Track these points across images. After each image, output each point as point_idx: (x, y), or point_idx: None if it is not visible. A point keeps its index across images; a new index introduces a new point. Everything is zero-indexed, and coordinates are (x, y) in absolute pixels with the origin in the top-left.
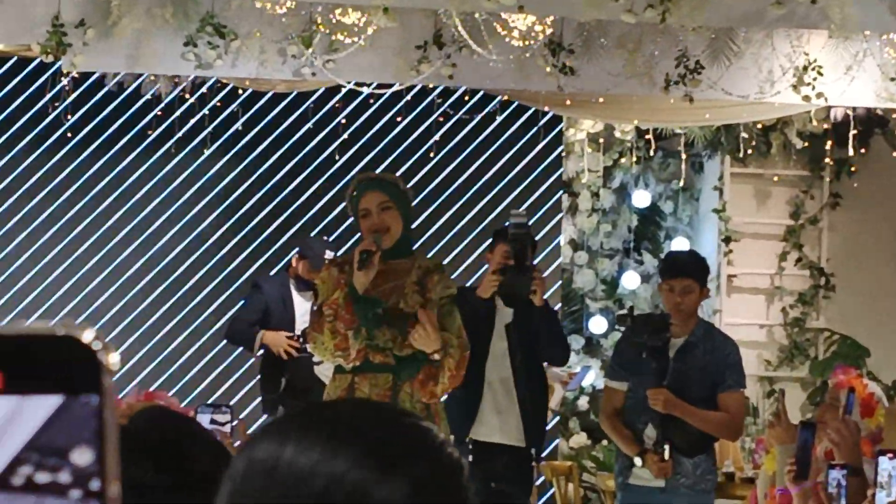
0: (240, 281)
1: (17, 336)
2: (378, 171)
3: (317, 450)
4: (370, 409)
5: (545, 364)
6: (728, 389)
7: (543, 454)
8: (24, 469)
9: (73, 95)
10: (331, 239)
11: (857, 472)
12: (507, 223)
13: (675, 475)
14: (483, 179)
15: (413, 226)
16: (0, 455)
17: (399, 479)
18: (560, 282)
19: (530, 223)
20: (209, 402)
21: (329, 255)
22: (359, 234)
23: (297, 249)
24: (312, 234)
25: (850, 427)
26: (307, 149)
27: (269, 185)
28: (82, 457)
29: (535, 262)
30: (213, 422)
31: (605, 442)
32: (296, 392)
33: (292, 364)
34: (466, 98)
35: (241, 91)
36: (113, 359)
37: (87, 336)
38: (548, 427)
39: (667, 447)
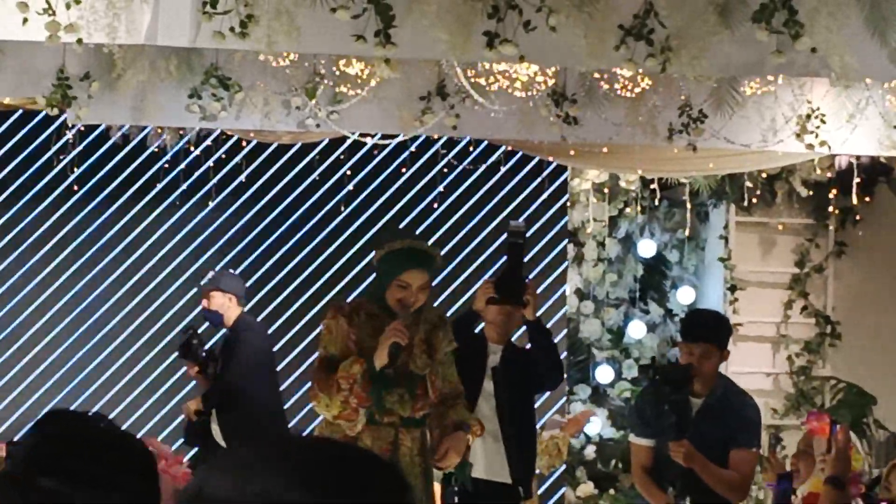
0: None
1: None
2: (383, 221)
3: (233, 476)
4: (296, 440)
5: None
6: (739, 447)
7: (540, 498)
8: None
9: (79, 148)
10: (334, 291)
11: (842, 486)
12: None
13: None
14: (488, 229)
15: None
16: None
17: (313, 495)
18: (566, 331)
19: (531, 275)
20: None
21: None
22: (364, 284)
23: (211, 284)
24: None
25: (845, 433)
26: (312, 200)
27: (274, 236)
28: None
29: (540, 311)
30: None
31: (612, 491)
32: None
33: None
34: (471, 149)
35: (245, 143)
36: None
37: None
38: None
39: (687, 499)
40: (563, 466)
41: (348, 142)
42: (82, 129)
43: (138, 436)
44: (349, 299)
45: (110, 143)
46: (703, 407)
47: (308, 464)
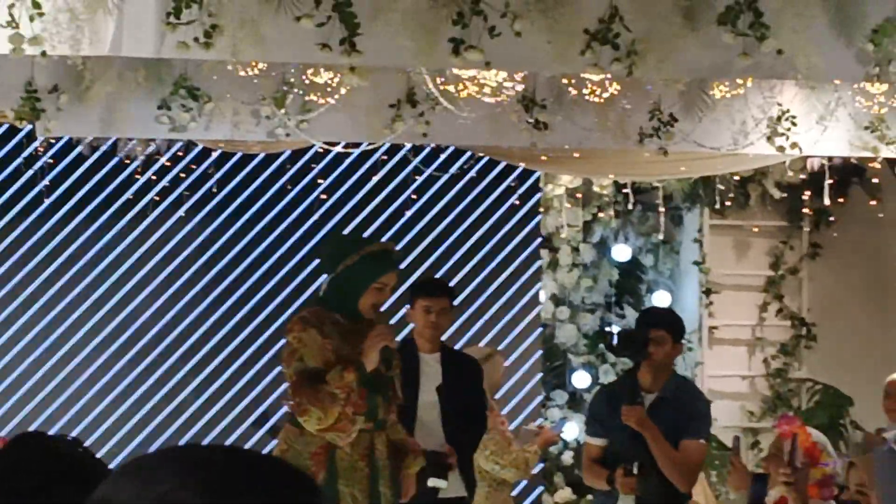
0: (231, 346)
1: None
2: (353, 228)
3: (136, 481)
4: (200, 447)
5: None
6: (688, 437)
7: None
8: None
9: (59, 168)
10: (304, 298)
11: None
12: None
13: None
14: (460, 236)
15: None
16: None
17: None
18: (541, 337)
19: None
20: None
21: None
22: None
23: None
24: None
25: (801, 475)
26: (283, 207)
27: (247, 245)
28: None
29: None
30: None
31: (589, 497)
32: None
33: None
34: (441, 154)
35: (214, 152)
36: None
37: None
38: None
39: (635, 464)
40: (542, 487)
41: (333, 152)
42: (51, 140)
43: (127, 450)
44: (305, 310)
45: (90, 162)
46: (656, 401)
47: (210, 468)
